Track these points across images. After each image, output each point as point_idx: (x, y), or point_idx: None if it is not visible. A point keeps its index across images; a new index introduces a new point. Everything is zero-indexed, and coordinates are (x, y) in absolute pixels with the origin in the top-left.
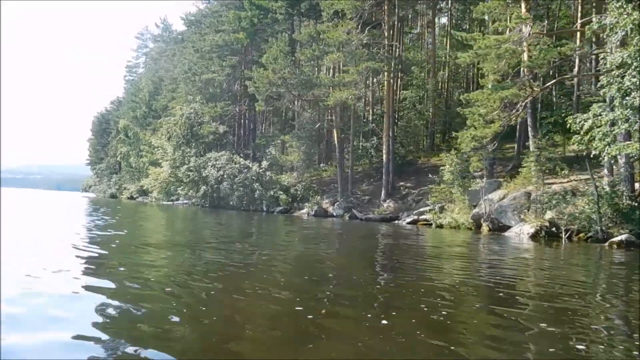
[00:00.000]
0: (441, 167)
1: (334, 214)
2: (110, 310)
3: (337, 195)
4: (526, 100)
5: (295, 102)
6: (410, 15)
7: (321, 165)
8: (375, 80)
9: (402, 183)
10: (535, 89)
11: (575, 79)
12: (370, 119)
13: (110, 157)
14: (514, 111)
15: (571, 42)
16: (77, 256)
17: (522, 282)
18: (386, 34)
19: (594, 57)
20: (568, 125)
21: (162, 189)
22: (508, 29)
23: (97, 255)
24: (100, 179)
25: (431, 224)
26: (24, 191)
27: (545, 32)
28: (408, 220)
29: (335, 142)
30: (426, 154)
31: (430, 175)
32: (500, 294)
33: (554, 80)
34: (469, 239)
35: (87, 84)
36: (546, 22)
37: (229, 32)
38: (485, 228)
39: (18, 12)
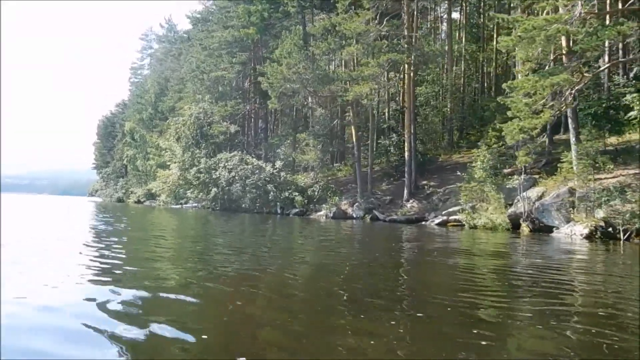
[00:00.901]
0: (469, 164)
1: (354, 216)
2: None
3: (355, 196)
4: (576, 88)
5: (309, 99)
6: (420, 10)
7: (335, 164)
8: (391, 74)
9: (424, 182)
10: (585, 74)
11: (607, 69)
12: (387, 115)
13: (117, 160)
14: (563, 99)
15: (629, 22)
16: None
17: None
18: (406, 23)
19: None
20: (635, 112)
21: (171, 192)
22: (546, 12)
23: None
24: (107, 183)
25: (463, 225)
26: (24, 197)
27: (596, 11)
28: (437, 221)
29: (354, 139)
30: (445, 151)
31: (459, 173)
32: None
33: (608, 64)
34: (516, 242)
35: (94, 87)
36: (595, 1)
37: (238, 28)
38: (525, 229)
39: (18, 12)
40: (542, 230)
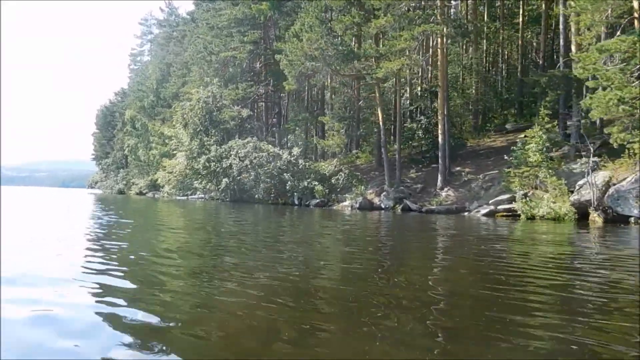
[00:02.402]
0: (512, 147)
1: (382, 206)
2: None
3: (382, 185)
4: None
5: (329, 79)
6: None
7: (354, 151)
8: (415, 55)
9: (458, 168)
10: None
11: None
12: (410, 97)
13: (117, 151)
14: None
15: None
16: None
17: None
18: None
19: None
20: None
21: (177, 182)
22: None
23: None
24: (107, 174)
25: (516, 216)
26: (22, 190)
27: None
28: (483, 211)
29: (380, 123)
30: (472, 135)
31: (505, 157)
32: None
33: None
34: (600, 236)
35: (93, 80)
36: None
37: (249, 4)
38: (597, 219)
39: (18, 12)
40: (616, 220)
